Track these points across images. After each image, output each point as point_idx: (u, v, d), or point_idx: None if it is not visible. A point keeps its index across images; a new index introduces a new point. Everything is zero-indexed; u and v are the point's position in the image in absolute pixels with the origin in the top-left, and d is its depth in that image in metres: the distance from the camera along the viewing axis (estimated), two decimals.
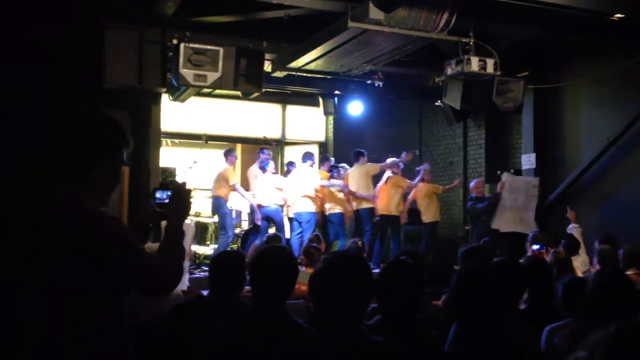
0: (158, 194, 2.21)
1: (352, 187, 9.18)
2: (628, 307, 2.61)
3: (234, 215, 9.44)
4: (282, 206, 9.07)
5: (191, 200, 2.23)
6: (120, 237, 1.84)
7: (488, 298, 2.64)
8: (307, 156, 9.24)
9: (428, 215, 9.60)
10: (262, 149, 9.38)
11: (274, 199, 8.90)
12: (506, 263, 3.68)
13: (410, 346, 2.40)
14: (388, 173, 9.45)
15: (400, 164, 9.47)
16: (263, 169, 9.08)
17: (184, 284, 6.49)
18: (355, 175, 9.28)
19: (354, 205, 9.29)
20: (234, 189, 8.81)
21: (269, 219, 8.96)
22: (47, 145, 2.11)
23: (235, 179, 8.87)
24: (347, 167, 9.51)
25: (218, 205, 8.82)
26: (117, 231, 1.85)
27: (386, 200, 9.32)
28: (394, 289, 2.68)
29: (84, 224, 1.79)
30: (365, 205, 9.20)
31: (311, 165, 9.24)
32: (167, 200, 2.17)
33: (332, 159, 9.85)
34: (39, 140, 2.27)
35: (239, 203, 9.56)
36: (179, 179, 9.05)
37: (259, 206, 8.92)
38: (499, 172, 9.74)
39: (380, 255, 9.06)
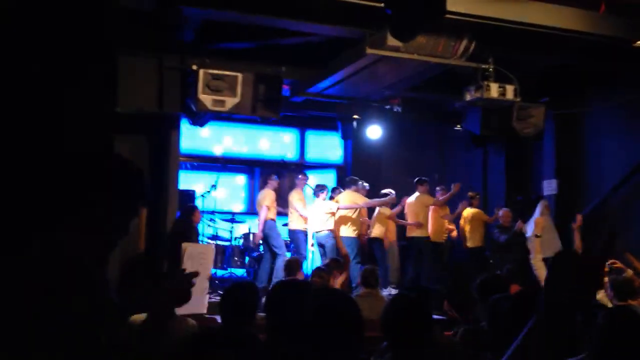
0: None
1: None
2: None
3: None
4: (332, 231, 9.04)
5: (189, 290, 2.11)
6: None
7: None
8: (352, 182, 9.40)
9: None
10: (300, 174, 9.52)
11: (327, 225, 8.96)
12: (525, 294, 3.60)
13: None
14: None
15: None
16: (316, 194, 9.20)
17: (204, 305, 6.51)
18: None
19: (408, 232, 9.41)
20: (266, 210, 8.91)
21: (321, 245, 9.04)
22: (50, 182, 2.10)
23: (269, 201, 8.94)
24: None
25: (267, 228, 8.94)
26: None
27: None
28: (400, 325, 2.65)
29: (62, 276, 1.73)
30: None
31: (355, 191, 9.32)
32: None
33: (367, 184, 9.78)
34: (43, 178, 2.26)
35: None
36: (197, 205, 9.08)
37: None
38: (518, 198, 9.61)
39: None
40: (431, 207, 9.38)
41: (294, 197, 9.20)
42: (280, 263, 8.64)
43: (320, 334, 2.16)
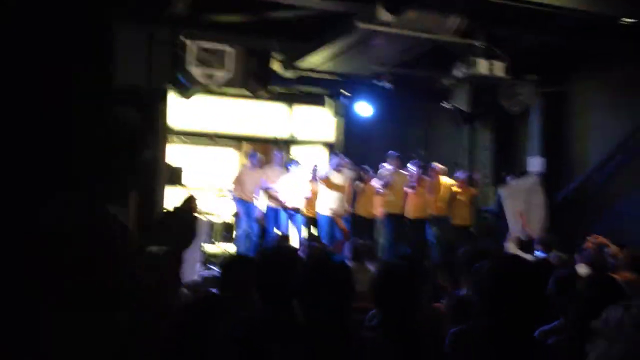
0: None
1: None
2: None
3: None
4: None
5: (195, 228, 2.23)
6: (121, 251, 1.85)
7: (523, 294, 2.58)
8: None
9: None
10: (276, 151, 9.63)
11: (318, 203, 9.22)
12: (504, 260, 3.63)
13: (408, 347, 2.45)
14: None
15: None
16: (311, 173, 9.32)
17: (195, 272, 6.62)
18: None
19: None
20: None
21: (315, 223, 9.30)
22: (62, 147, 2.13)
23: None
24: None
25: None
26: (120, 245, 1.87)
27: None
28: (389, 293, 2.73)
29: (91, 235, 1.81)
30: None
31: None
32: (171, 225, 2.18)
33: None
34: (53, 143, 2.30)
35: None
36: (185, 180, 9.10)
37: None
38: (504, 174, 9.73)
39: None
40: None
41: (270, 174, 9.29)
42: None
43: (314, 294, 2.24)
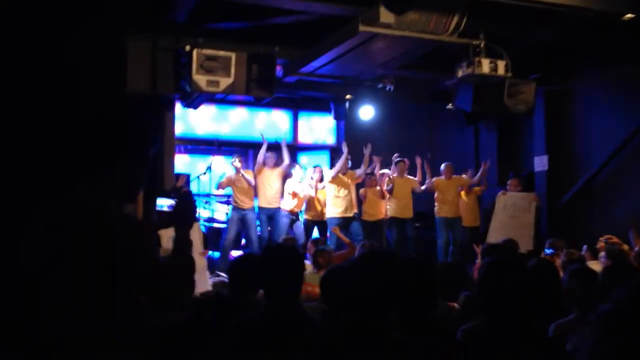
0: (159, 202, 2.26)
1: None
2: None
3: None
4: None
5: (195, 209, 2.24)
6: (139, 244, 1.88)
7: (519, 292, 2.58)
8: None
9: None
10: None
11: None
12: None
13: (427, 342, 2.46)
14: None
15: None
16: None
17: (207, 282, 6.61)
18: None
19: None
20: None
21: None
22: (70, 139, 2.16)
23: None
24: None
25: None
26: (136, 237, 1.90)
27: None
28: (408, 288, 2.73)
29: (104, 227, 1.83)
30: None
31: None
32: (168, 209, 2.20)
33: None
34: (62, 136, 2.32)
35: None
36: (188, 186, 9.13)
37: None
38: (510, 174, 9.73)
39: None
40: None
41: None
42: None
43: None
